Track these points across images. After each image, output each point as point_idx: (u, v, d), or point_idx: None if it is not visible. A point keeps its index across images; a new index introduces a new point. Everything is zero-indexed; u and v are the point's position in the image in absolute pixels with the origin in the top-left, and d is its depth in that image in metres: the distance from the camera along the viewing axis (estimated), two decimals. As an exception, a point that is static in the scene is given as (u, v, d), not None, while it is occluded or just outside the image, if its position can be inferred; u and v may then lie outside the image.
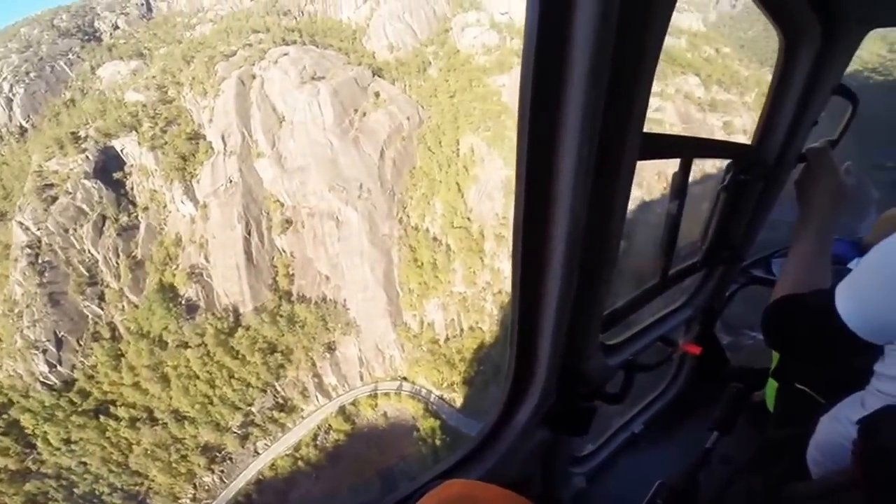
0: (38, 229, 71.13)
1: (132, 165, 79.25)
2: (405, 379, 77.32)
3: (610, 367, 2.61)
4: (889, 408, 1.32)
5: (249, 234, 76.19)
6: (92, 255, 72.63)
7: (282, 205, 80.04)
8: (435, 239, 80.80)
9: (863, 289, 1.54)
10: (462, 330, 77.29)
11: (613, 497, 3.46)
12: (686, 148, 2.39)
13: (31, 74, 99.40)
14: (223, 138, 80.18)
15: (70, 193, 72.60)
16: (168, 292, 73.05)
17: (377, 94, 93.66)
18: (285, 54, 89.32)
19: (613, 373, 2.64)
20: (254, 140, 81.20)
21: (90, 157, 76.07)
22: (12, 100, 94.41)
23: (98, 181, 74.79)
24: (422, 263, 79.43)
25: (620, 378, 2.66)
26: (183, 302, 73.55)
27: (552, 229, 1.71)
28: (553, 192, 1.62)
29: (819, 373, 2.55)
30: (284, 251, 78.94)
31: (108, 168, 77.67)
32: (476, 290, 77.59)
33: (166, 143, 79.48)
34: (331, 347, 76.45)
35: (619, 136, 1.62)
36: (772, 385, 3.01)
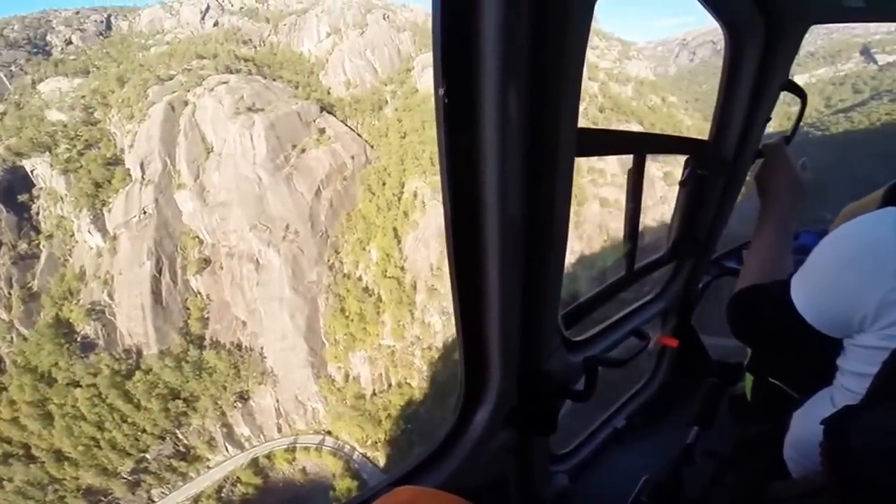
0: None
1: (41, 188, 73.78)
2: (329, 433, 71.67)
3: (575, 364, 2.54)
4: (850, 408, 1.29)
5: (160, 272, 70.47)
6: (-20, 282, 66.70)
7: (201, 242, 74.61)
8: (366, 289, 75.42)
9: (813, 279, 1.54)
10: (389, 385, 71.59)
11: (598, 494, 3.40)
12: (632, 144, 2.39)
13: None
14: (142, 165, 75.20)
15: (-37, 214, 66.90)
16: (63, 328, 66.83)
17: (322, 131, 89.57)
18: (224, 82, 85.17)
19: (581, 369, 2.53)
20: (176, 170, 76.21)
21: (-6, 176, 70.60)
22: None
23: (-1, 203, 69.30)
24: (349, 314, 73.92)
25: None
26: (78, 339, 67.24)
27: (485, 230, 1.65)
28: (480, 191, 1.57)
29: (791, 366, 2.40)
30: (200, 293, 73.10)
31: (14, 189, 72.12)
32: (405, 344, 72.08)
33: (81, 166, 74.27)
34: (243, 396, 70.33)
35: (552, 133, 1.58)
36: (749, 378, 2.80)
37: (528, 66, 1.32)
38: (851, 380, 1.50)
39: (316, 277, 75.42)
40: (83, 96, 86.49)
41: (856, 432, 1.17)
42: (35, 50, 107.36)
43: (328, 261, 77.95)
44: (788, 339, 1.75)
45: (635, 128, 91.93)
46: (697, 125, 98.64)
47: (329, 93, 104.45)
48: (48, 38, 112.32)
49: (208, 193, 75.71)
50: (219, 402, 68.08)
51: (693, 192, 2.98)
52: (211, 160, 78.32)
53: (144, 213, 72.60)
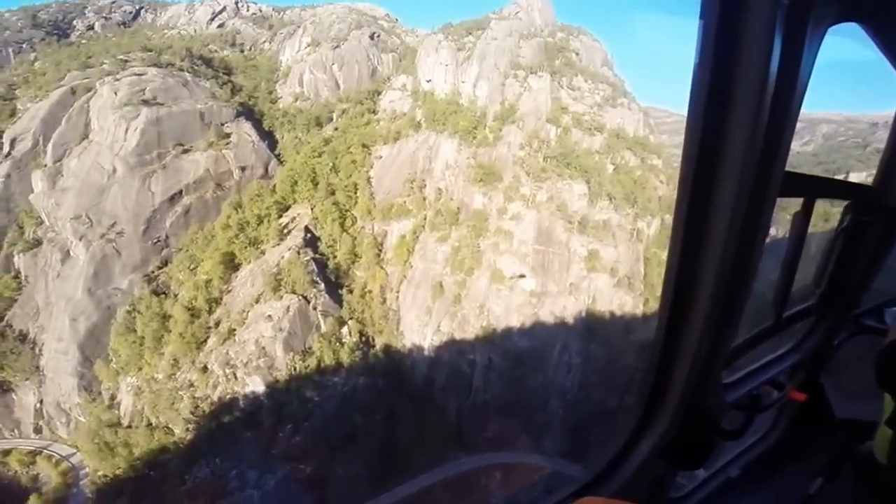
0: None
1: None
2: (78, 450, 64.78)
3: (727, 405, 2.63)
4: None
5: (-19, 242, 69.20)
6: None
7: (40, 223, 72.50)
8: (166, 316, 67.52)
9: None
10: (144, 424, 62.73)
11: None
12: (813, 188, 2.49)
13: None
14: (13, 142, 75.63)
15: None
16: None
17: (225, 135, 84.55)
18: (139, 74, 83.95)
19: (729, 409, 2.64)
20: (44, 150, 75.22)
21: None
22: None
23: None
24: (139, 335, 66.70)
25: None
26: None
27: (704, 261, 1.88)
28: (708, 225, 1.82)
29: None
30: (19, 272, 70.80)
31: None
32: (175, 385, 63.04)
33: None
34: (5, 387, 66.78)
35: (769, 174, 1.82)
36: (884, 434, 2.80)
37: (756, 114, 1.64)
38: None
39: (126, 286, 69.46)
40: (27, 74, 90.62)
41: None
42: (55, 32, 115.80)
43: (151, 272, 71.66)
44: None
45: (577, 189, 74.87)
46: (670, 196, 78.03)
47: (276, 102, 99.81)
48: (74, 22, 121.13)
49: (60, 177, 73.70)
50: None
51: (850, 239, 2.88)
52: (82, 146, 76.60)
53: (-8, 185, 72.05)
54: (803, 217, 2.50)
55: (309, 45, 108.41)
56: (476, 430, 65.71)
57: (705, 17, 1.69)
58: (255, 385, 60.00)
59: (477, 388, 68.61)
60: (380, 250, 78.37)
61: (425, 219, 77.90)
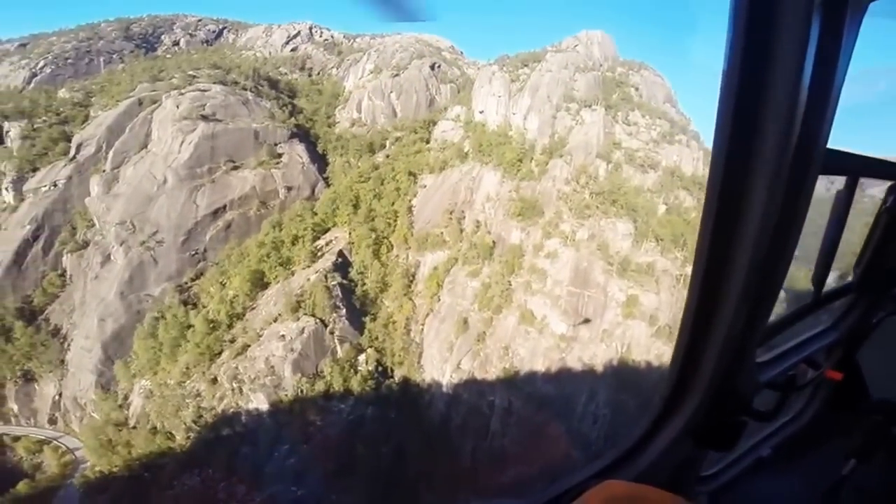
0: None
1: (5, 147, 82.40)
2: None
3: (759, 384, 2.60)
4: None
5: (36, 238, 73.04)
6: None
7: (91, 225, 75.57)
8: (188, 325, 68.02)
9: None
10: (148, 426, 62.77)
11: None
12: (855, 166, 2.47)
13: (69, 59, 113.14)
14: (79, 146, 79.91)
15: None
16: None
17: (277, 155, 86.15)
18: (201, 90, 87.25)
19: (761, 389, 2.62)
20: (105, 157, 78.91)
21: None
22: (36, 74, 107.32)
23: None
24: (158, 340, 67.40)
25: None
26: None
27: (739, 239, 1.84)
28: (744, 205, 1.79)
29: None
30: (65, 270, 73.78)
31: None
32: (184, 392, 62.94)
33: (39, 136, 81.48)
34: (29, 376, 68.83)
35: (810, 151, 1.80)
36: None
37: (793, 89, 1.61)
38: None
39: (158, 293, 70.71)
40: (105, 83, 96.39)
41: None
42: (143, 45, 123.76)
43: (184, 282, 72.74)
44: None
45: (621, 228, 70.43)
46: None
47: (333, 126, 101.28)
48: (163, 37, 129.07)
49: (115, 183, 76.82)
50: (2, 371, 67.40)
51: (894, 219, 2.85)
52: (139, 155, 79.89)
53: (55, 185, 76.27)
54: (846, 195, 2.45)
55: (371, 73, 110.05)
56: (491, 475, 61.61)
57: None
58: (259, 402, 58.76)
59: (494, 432, 64.64)
60: (410, 281, 76.36)
61: (459, 251, 75.46)
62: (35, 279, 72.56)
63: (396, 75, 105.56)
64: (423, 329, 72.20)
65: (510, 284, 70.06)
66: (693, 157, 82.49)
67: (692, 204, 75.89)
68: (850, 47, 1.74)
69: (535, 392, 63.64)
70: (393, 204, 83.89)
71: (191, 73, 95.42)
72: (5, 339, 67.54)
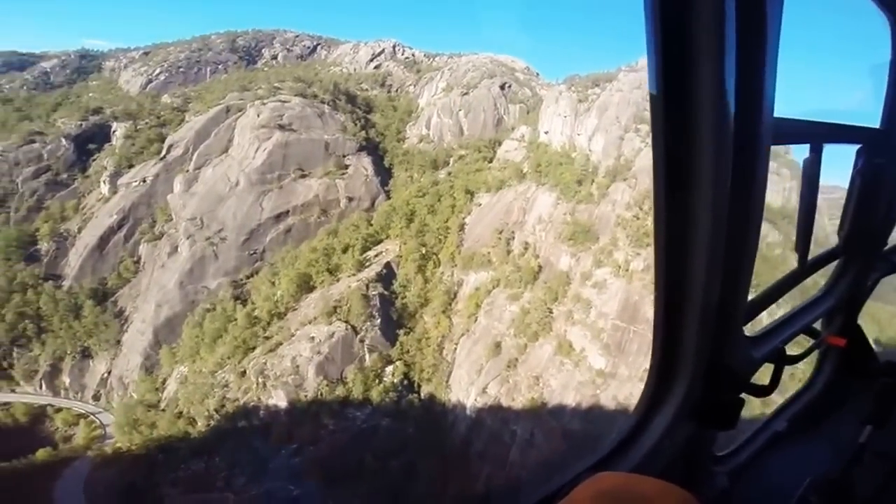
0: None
1: (110, 145, 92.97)
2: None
3: (755, 359, 2.67)
4: None
5: (119, 227, 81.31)
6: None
7: (169, 219, 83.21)
8: (232, 319, 72.64)
9: None
10: (175, 410, 66.92)
11: (757, 496, 3.43)
12: (816, 134, 2.55)
13: (180, 68, 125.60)
14: (170, 147, 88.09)
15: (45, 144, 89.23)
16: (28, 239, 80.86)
17: (343, 166, 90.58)
18: (282, 101, 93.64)
19: (759, 365, 2.70)
20: (190, 158, 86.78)
21: (82, 125, 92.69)
22: (151, 80, 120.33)
23: (74, 148, 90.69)
24: (203, 330, 72.50)
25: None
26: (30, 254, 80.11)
27: (694, 218, 1.84)
28: (693, 177, 1.77)
29: None
30: (140, 258, 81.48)
31: (92, 139, 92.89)
32: (213, 382, 66.85)
33: (139, 137, 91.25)
34: (86, 353, 75.20)
35: (753, 121, 1.76)
36: None
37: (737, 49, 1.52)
38: None
39: (214, 287, 76.24)
40: (202, 91, 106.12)
41: None
42: (245, 57, 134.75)
43: (239, 279, 78.01)
44: None
45: None
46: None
47: (401, 141, 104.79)
48: (263, 51, 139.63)
49: (195, 183, 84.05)
50: (63, 344, 73.77)
51: (867, 182, 2.91)
52: (220, 158, 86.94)
53: (143, 181, 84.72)
54: (813, 162, 2.45)
55: (443, 91, 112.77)
56: (501, 504, 60.24)
57: None
58: (279, 399, 60.92)
59: (513, 462, 62.64)
60: (452, 298, 76.72)
61: (503, 273, 74.94)
62: (113, 263, 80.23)
63: (466, 94, 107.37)
64: (455, 348, 72.34)
65: (551, 312, 68.07)
66: (782, 188, 75.64)
67: (776, 239, 69.15)
68: (777, 13, 1.67)
69: (560, 427, 61.54)
70: (446, 221, 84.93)
71: (276, 84, 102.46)
72: (74, 316, 74.38)
